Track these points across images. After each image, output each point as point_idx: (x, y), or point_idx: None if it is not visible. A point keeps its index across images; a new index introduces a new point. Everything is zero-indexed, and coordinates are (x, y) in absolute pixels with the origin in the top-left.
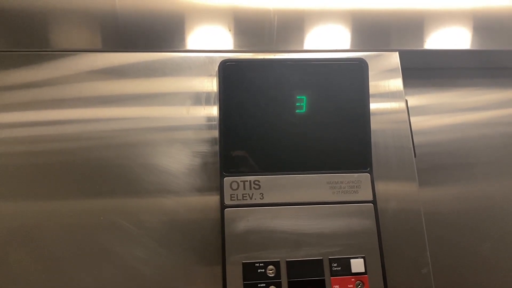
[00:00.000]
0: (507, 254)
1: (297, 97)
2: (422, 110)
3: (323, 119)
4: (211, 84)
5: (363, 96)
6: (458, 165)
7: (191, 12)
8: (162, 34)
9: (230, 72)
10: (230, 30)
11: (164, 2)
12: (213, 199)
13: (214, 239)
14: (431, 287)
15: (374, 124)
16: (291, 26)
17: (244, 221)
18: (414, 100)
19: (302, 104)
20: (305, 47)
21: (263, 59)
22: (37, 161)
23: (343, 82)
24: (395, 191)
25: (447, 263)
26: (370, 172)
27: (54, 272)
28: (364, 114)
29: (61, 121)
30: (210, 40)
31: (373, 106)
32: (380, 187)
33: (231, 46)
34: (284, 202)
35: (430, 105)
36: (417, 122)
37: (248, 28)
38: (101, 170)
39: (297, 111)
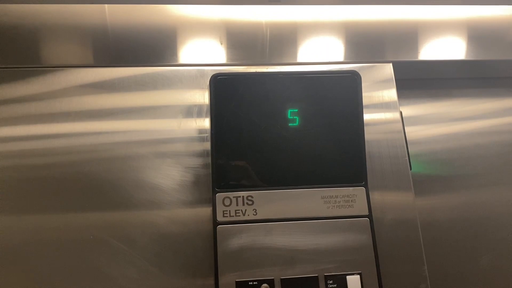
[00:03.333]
0: (505, 264)
1: (290, 110)
2: (418, 120)
3: (317, 133)
4: (202, 98)
5: (357, 109)
6: (454, 175)
7: (182, 26)
8: (153, 48)
9: (221, 86)
10: (221, 44)
11: (155, 17)
12: (205, 213)
13: (206, 257)
14: None
15: (369, 135)
16: (283, 39)
17: (237, 238)
18: (409, 110)
19: (295, 117)
20: (298, 60)
21: (254, 72)
22: (24, 175)
23: (336, 94)
24: (391, 202)
25: (445, 274)
26: (365, 186)
27: None
28: (358, 126)
29: (50, 136)
30: (202, 53)
31: (368, 117)
32: (376, 198)
33: (223, 60)
34: (278, 218)
35: (425, 115)
36: (413, 132)
37: (240, 41)
38: (91, 185)
39: (290, 124)
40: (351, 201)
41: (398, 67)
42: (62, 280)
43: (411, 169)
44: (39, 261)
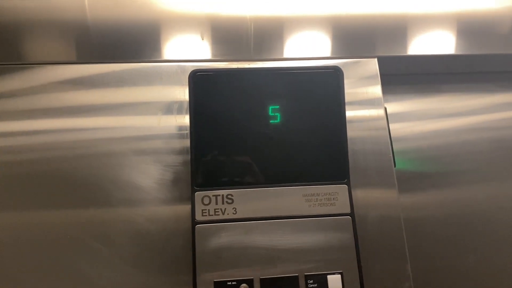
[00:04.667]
0: (491, 262)
1: (271, 107)
2: (405, 117)
3: (298, 130)
4: (183, 94)
5: (339, 105)
6: (441, 171)
7: (163, 20)
8: (133, 44)
9: (200, 82)
10: (203, 39)
11: (136, 11)
12: (184, 212)
13: (185, 256)
14: None
15: (353, 132)
16: (268, 34)
17: (216, 238)
18: (397, 106)
19: (276, 114)
20: (283, 55)
21: (234, 68)
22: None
23: (318, 90)
24: (375, 199)
25: (429, 274)
26: (348, 184)
27: None
28: (340, 123)
29: (28, 132)
30: (183, 49)
31: (352, 113)
32: (359, 195)
33: (206, 55)
34: (258, 217)
35: (413, 112)
36: (400, 128)
37: (224, 36)
38: (68, 182)
39: (271, 121)
40: (333, 199)
41: (385, 62)
42: (38, 279)
43: (395, 166)
44: (14, 259)
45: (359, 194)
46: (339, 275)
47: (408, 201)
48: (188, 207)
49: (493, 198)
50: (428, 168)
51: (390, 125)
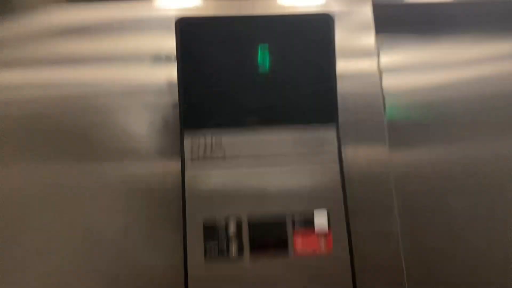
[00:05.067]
0: (483, 221)
1: (260, 52)
2: (400, 68)
3: (287, 74)
4: (172, 42)
5: (329, 52)
6: (438, 125)
7: None
8: None
9: (187, 30)
10: None
11: None
12: (174, 161)
13: (175, 201)
14: (397, 247)
15: (344, 84)
16: None
17: (205, 177)
18: (393, 57)
19: (264, 59)
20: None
21: (221, 16)
22: None
23: (309, 37)
24: (364, 153)
25: (419, 228)
26: (336, 126)
27: (11, 236)
28: (329, 67)
29: (18, 85)
30: None
31: (343, 65)
32: (349, 149)
33: (196, 3)
34: (246, 157)
35: (410, 62)
36: (396, 80)
37: None
38: (59, 134)
39: (259, 65)
40: (321, 140)
41: (381, 10)
42: (33, 225)
43: (386, 117)
44: (10, 206)
45: (349, 147)
46: (325, 210)
47: (398, 156)
48: (177, 154)
49: (487, 153)
50: (424, 121)
51: (384, 76)
